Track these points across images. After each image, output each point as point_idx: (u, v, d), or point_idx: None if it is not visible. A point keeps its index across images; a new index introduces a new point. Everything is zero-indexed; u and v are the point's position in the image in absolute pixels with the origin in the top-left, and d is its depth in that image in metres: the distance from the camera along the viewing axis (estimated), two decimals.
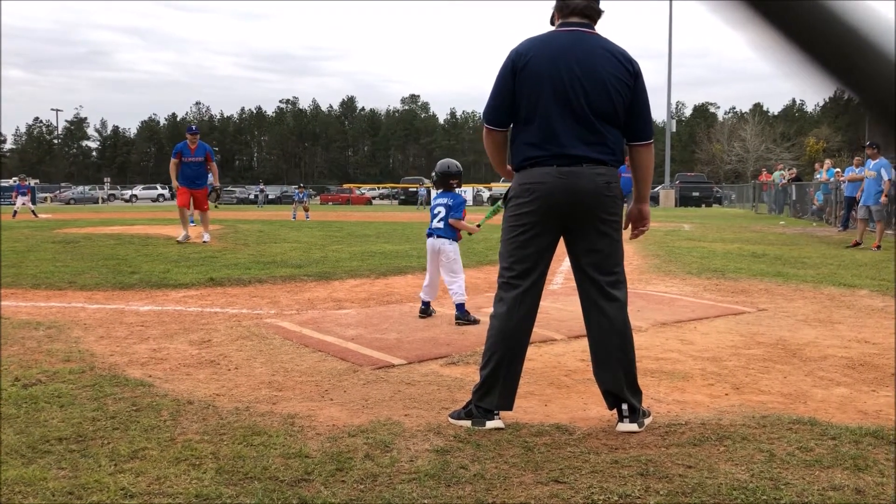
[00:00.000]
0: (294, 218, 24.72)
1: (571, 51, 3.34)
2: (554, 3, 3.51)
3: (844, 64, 0.55)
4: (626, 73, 3.38)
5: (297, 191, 28.26)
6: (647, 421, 3.39)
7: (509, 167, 3.60)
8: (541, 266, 3.44)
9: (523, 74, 3.34)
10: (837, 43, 0.54)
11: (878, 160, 13.48)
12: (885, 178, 13.25)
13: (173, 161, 12.86)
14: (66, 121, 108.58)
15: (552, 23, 3.55)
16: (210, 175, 13.27)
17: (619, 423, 3.35)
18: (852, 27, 0.53)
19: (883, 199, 13.26)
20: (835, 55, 0.54)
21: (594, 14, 3.43)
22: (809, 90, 0.58)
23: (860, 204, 14.07)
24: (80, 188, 66.54)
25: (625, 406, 3.35)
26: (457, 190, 6.24)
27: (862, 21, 0.53)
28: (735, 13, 0.55)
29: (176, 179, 12.88)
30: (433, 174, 6.31)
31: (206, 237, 13.07)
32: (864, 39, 0.53)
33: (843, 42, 0.54)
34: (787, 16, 0.54)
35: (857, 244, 13.13)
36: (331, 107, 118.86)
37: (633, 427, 3.32)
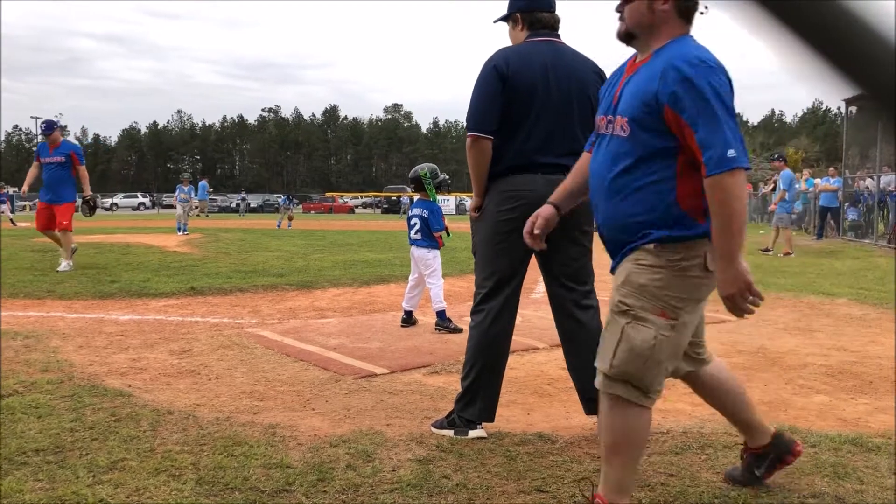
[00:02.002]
0: (279, 226, 24.61)
1: (555, 62, 3.39)
2: (512, 8, 3.53)
3: (863, 64, 0.54)
4: (599, 82, 3.45)
5: (285, 198, 28.15)
6: None
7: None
8: (520, 275, 3.44)
9: (511, 83, 3.32)
10: (856, 43, 0.54)
11: (783, 171, 14.08)
12: (781, 187, 13.85)
13: (34, 164, 10.26)
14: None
15: (508, 21, 3.57)
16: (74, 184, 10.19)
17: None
18: (869, 26, 0.53)
19: (772, 207, 13.95)
20: (853, 55, 0.54)
21: (558, 25, 3.52)
22: (829, 93, 0.58)
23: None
24: None
25: None
26: (439, 198, 6.25)
27: (878, 19, 0.53)
28: (750, 15, 0.55)
29: (29, 185, 10.60)
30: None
31: (64, 265, 9.94)
32: (881, 37, 0.53)
33: (862, 42, 0.54)
34: (803, 17, 0.54)
35: (787, 254, 13.56)
36: (313, 115, 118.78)
37: None
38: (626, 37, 2.43)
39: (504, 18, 3.58)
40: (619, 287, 2.35)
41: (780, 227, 13.92)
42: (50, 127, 10.06)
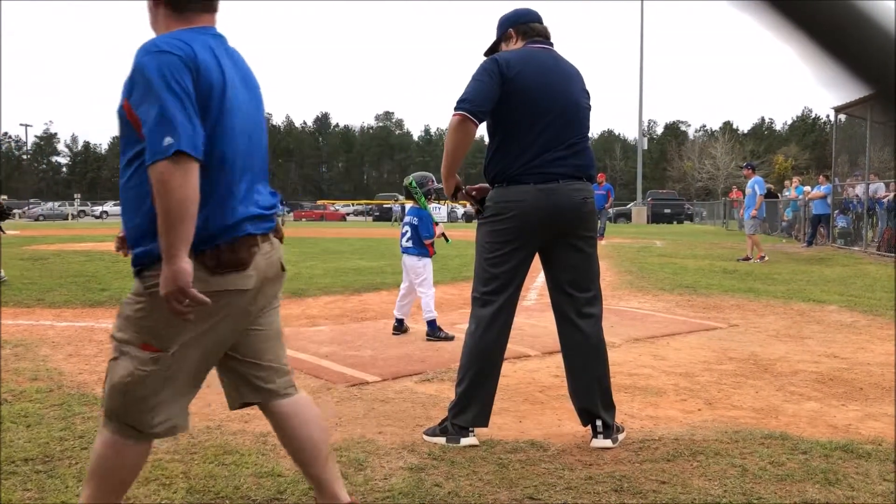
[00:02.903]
0: None
1: (554, 70, 3.41)
2: (506, 24, 3.55)
3: (876, 64, 0.54)
4: (586, 93, 3.52)
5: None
6: (620, 437, 3.40)
7: (463, 186, 3.55)
8: (516, 283, 3.44)
9: (512, 85, 3.29)
10: (870, 44, 0.53)
11: (752, 178, 14.33)
12: (758, 193, 14.07)
13: None
14: (36, 136, 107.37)
15: (501, 43, 3.59)
16: None
17: (594, 440, 3.35)
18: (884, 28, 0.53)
19: (753, 212, 14.06)
20: (867, 56, 0.54)
21: (549, 34, 3.55)
22: (842, 93, 0.58)
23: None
24: (50, 204, 65.77)
25: (599, 422, 3.36)
26: (432, 205, 6.24)
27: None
28: (766, 16, 0.55)
29: None
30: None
31: None
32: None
33: (876, 42, 0.53)
34: (814, 17, 0.53)
35: (747, 258, 13.84)
36: (304, 123, 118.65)
37: (608, 443, 3.33)
38: None
39: (497, 43, 3.59)
40: (116, 318, 2.19)
41: (749, 234, 14.10)
42: None
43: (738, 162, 65.98)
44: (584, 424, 3.45)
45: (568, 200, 3.33)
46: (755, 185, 14.07)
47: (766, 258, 13.63)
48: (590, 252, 3.45)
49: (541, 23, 3.55)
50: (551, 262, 3.45)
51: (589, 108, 3.53)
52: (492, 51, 3.60)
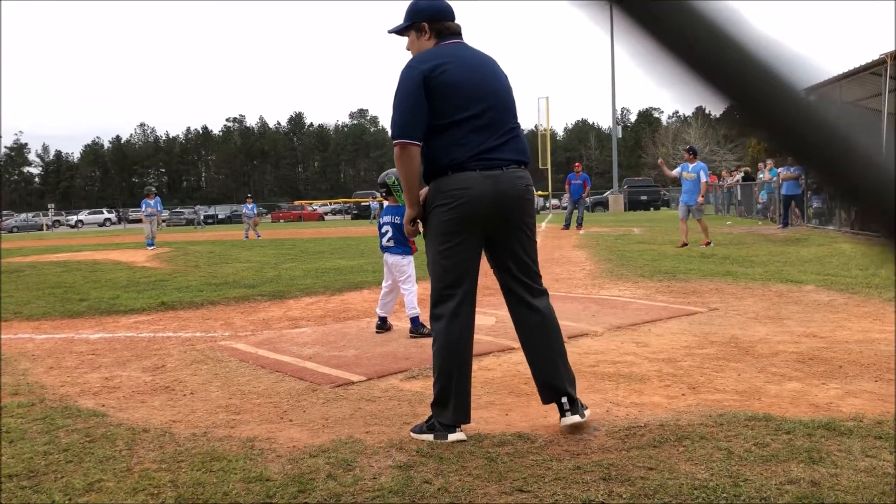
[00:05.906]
0: (246, 237, 23.94)
1: (477, 61, 3.50)
2: (417, 17, 3.54)
3: (725, 74, 0.53)
4: (508, 81, 3.61)
5: (246, 204, 26.17)
6: (587, 412, 3.43)
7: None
8: (472, 272, 3.46)
9: (439, 83, 3.33)
10: (714, 51, 0.53)
11: (695, 164, 14.35)
12: (703, 179, 14.17)
13: None
14: (6, 147, 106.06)
15: (410, 31, 3.58)
16: None
17: (563, 418, 3.38)
18: (730, 36, 0.52)
19: (700, 199, 14.14)
20: (715, 65, 0.53)
21: (461, 32, 3.61)
22: (693, 102, 0.57)
23: (680, 204, 14.87)
24: (23, 215, 65.09)
25: (564, 399, 3.39)
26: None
27: (737, 28, 0.52)
28: (605, 15, 0.54)
29: None
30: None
31: None
32: (742, 49, 0.52)
33: (720, 51, 0.53)
34: (657, 20, 0.53)
35: (685, 245, 13.77)
36: (278, 123, 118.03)
37: (577, 419, 3.35)
38: None
39: (406, 29, 3.58)
40: None
41: (697, 218, 14.11)
42: None
43: (711, 147, 66.53)
44: (546, 402, 3.48)
45: (512, 187, 3.40)
46: (700, 170, 14.15)
47: (687, 245, 13.56)
48: (532, 236, 3.55)
49: (454, 20, 3.57)
50: (498, 248, 3.49)
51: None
52: (398, 34, 3.62)
